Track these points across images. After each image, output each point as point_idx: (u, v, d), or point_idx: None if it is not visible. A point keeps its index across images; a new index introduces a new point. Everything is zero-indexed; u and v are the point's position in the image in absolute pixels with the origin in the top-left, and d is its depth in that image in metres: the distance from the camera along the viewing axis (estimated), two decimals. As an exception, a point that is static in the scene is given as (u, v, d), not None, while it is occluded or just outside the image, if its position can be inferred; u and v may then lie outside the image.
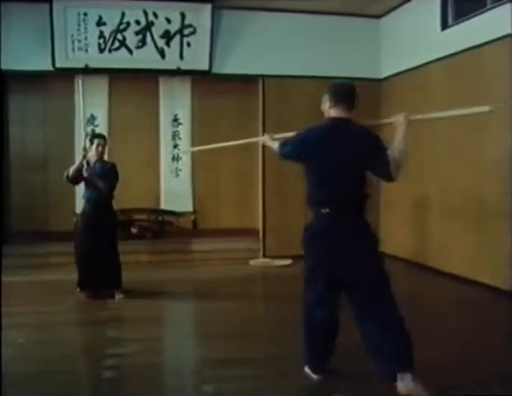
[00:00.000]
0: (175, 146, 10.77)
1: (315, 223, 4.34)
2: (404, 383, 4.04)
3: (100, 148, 7.41)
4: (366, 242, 4.27)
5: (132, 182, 10.26)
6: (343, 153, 4.17)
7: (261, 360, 5.10)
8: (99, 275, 7.27)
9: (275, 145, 4.95)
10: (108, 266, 7.31)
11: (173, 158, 10.78)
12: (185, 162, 10.66)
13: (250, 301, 7.21)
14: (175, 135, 10.76)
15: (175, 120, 10.76)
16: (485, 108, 4.38)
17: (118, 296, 7.35)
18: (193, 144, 10.53)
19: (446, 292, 7.80)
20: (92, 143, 7.44)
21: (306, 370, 4.59)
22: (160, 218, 10.42)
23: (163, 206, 10.67)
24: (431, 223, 8.97)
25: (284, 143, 4.75)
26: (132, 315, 6.59)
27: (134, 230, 10.10)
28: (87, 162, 7.23)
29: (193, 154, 10.57)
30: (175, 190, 10.72)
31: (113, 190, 7.42)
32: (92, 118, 10.49)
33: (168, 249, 9.85)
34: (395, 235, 9.98)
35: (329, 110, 4.39)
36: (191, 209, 10.81)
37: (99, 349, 5.53)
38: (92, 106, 10.45)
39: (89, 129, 10.42)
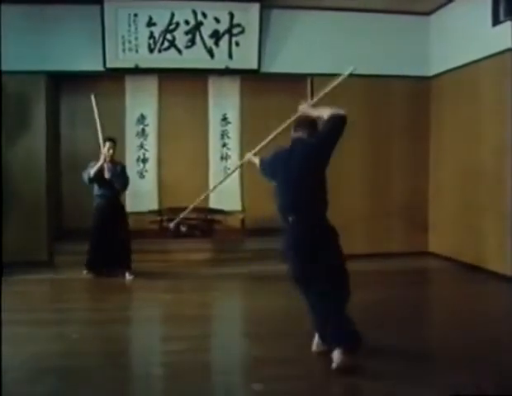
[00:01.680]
0: (224, 145, 10.82)
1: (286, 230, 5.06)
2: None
3: (111, 151, 8.44)
4: (329, 239, 5.02)
5: (181, 181, 10.37)
6: (298, 162, 4.97)
7: (311, 358, 5.10)
8: (112, 259, 8.40)
9: (257, 161, 5.70)
10: (122, 251, 8.39)
11: (222, 157, 10.83)
12: (234, 162, 10.69)
13: (300, 300, 7.19)
14: (224, 134, 10.81)
15: (224, 119, 10.81)
16: (350, 68, 5.81)
17: (129, 276, 8.35)
18: (242, 142, 10.60)
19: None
20: (104, 145, 8.48)
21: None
22: (209, 216, 10.47)
23: (211, 205, 10.72)
24: (483, 223, 8.84)
25: (262, 161, 5.57)
26: (181, 313, 6.64)
27: (183, 229, 10.16)
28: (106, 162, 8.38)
29: (242, 154, 10.61)
30: (224, 189, 10.75)
31: (126, 188, 8.73)
32: (142, 117, 10.61)
33: (217, 247, 9.89)
34: (445, 234, 9.89)
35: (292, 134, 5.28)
36: (239, 207, 10.85)
37: (149, 346, 5.61)
38: (141, 106, 10.59)
39: (139, 128, 10.56)
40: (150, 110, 10.70)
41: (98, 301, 7.30)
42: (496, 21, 8.45)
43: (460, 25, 9.35)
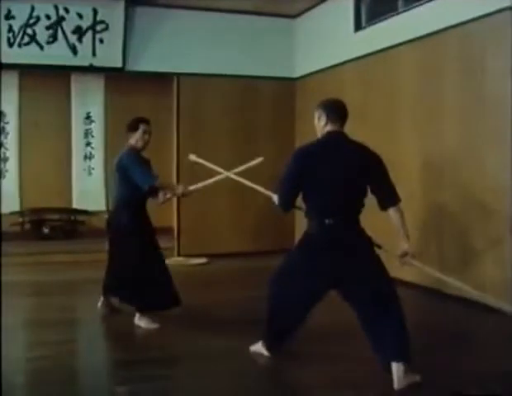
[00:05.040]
0: (87, 144, 10.61)
1: (317, 232, 4.44)
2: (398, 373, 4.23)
3: (146, 137, 6.20)
4: (365, 246, 4.45)
5: (43, 181, 10.11)
6: (349, 165, 4.37)
7: (178, 360, 5.08)
8: None
9: (275, 197, 4.89)
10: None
11: (86, 157, 10.63)
12: (98, 161, 10.53)
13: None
14: (87, 133, 10.61)
15: (87, 117, 10.61)
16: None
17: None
18: (106, 143, 10.43)
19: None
20: (135, 129, 6.17)
21: (258, 347, 4.94)
22: (72, 217, 10.25)
23: (75, 205, 10.50)
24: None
25: (280, 187, 4.64)
26: (44, 317, 6.44)
27: (45, 230, 9.90)
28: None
29: (106, 153, 10.46)
30: (88, 189, 10.57)
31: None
32: (2, 115, 10.23)
33: (81, 249, 9.68)
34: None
35: (325, 126, 4.52)
36: (104, 208, 10.66)
37: (11, 353, 5.38)
38: (1, 103, 10.19)
39: (-2, 126, 10.21)
40: (10, 108, 10.33)
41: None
42: (358, 27, 8.80)
43: (324, 28, 9.63)
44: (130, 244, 6.03)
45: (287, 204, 4.63)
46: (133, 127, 6.17)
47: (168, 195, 6.17)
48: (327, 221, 4.34)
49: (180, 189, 6.19)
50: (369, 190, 4.43)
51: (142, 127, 6.14)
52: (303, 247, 4.58)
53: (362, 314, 4.44)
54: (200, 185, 6.12)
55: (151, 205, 6.32)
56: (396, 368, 4.20)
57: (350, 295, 4.46)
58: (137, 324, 5.96)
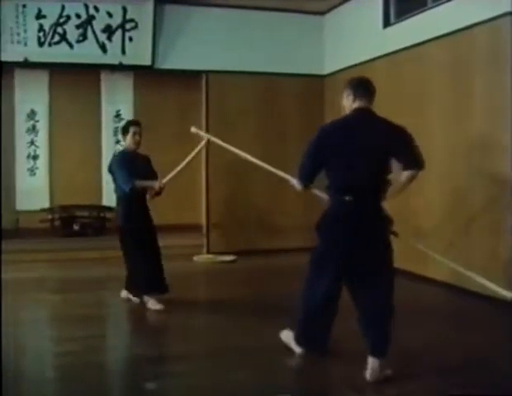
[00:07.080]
0: (117, 142, 10.66)
1: (337, 209, 4.45)
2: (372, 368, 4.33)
3: (137, 138, 6.69)
4: (379, 227, 4.43)
5: (74, 179, 10.15)
6: (373, 141, 4.35)
7: (202, 355, 5.09)
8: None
9: (295, 180, 4.88)
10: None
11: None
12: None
13: (193, 295, 7.17)
14: (117, 131, 10.64)
15: (117, 115, 10.65)
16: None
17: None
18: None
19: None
20: (127, 131, 6.71)
21: (289, 339, 4.92)
22: (102, 214, 10.31)
23: (105, 203, 10.54)
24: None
25: (300, 167, 4.70)
26: (73, 313, 6.47)
27: (75, 227, 9.97)
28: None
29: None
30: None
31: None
32: (33, 113, 10.31)
33: (110, 246, 9.67)
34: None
35: (352, 103, 4.54)
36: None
37: (41, 348, 5.45)
38: (32, 101, 10.27)
39: (30, 124, 10.26)
40: (41, 106, 10.39)
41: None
42: (387, 23, 8.75)
43: (353, 25, 9.60)
44: (125, 243, 6.71)
45: (306, 178, 4.66)
46: (124, 130, 6.81)
47: (149, 196, 6.76)
48: (347, 198, 4.33)
49: (156, 185, 6.60)
50: (395, 160, 4.41)
51: (132, 129, 6.70)
52: (322, 225, 4.59)
53: (354, 295, 4.51)
54: (171, 174, 6.72)
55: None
56: (372, 362, 4.32)
57: (349, 272, 4.49)
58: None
